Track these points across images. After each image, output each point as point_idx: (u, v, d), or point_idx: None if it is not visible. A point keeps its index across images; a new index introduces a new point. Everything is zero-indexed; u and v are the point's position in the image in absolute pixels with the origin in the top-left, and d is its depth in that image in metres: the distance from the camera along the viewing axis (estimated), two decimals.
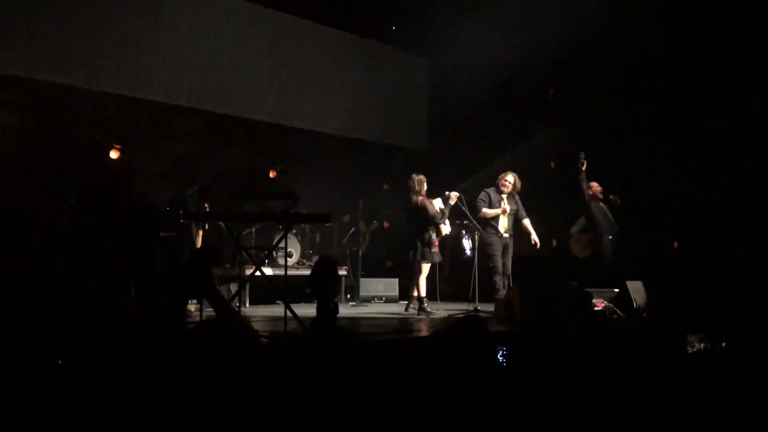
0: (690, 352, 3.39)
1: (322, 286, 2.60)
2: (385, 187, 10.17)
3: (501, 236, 7.47)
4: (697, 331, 3.64)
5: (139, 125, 8.58)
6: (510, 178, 7.60)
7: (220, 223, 6.31)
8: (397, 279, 8.82)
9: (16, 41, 7.24)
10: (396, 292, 8.80)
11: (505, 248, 7.51)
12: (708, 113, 8.12)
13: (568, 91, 9.35)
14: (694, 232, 8.25)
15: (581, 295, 6.73)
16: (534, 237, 7.67)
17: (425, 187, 7.35)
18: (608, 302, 6.69)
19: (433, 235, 7.29)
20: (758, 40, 7.69)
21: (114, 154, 8.27)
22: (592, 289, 6.78)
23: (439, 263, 7.58)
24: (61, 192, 6.91)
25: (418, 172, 7.53)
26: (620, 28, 8.39)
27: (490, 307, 7.08)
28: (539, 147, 9.44)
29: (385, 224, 9.74)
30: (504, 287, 7.34)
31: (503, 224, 7.52)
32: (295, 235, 8.53)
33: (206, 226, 6.53)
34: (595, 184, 7.99)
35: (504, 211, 7.53)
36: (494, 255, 7.46)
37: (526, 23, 9.16)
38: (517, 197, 7.72)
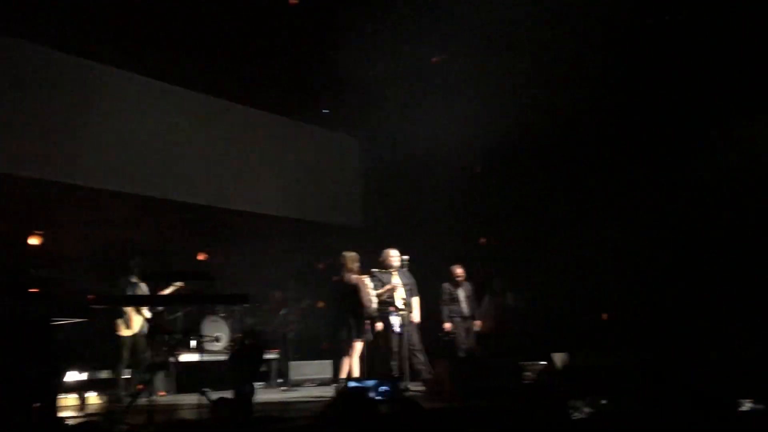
0: (576, 417, 3.40)
1: (239, 368, 2.50)
2: (321, 266, 10.10)
3: (399, 313, 7.34)
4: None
5: (65, 211, 8.42)
6: (393, 253, 7.56)
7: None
8: (331, 361, 8.63)
9: None
10: (329, 375, 8.57)
11: (408, 324, 7.38)
12: (634, 190, 8.47)
13: (495, 168, 9.64)
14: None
15: (513, 368, 6.76)
16: (414, 316, 7.49)
17: (358, 265, 7.32)
18: (536, 375, 6.68)
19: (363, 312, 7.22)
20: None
21: (35, 240, 8.07)
22: (523, 363, 6.84)
23: (371, 342, 7.47)
24: None
25: (350, 250, 7.51)
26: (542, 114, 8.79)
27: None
28: (471, 222, 9.65)
29: (321, 304, 9.61)
30: (422, 364, 7.29)
31: (399, 301, 7.41)
32: (224, 318, 8.33)
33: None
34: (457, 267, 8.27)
35: (394, 288, 7.39)
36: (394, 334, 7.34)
37: (454, 103, 9.52)
38: (409, 274, 7.63)
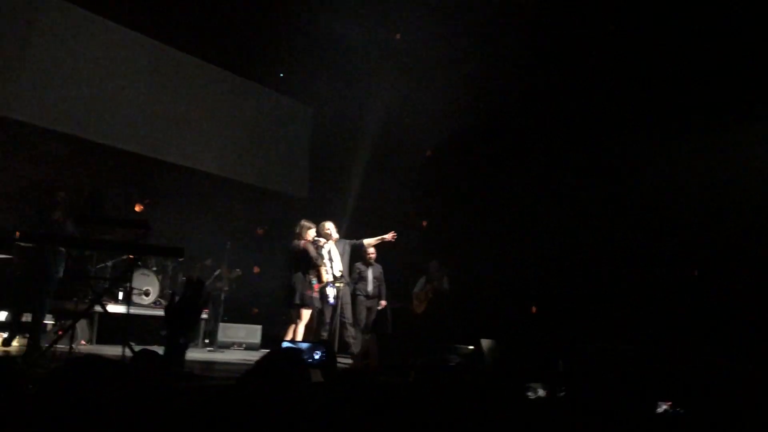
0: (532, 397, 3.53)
1: (174, 315, 2.37)
2: (259, 231, 9.97)
3: (336, 284, 7.42)
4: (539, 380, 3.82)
5: None
6: (329, 225, 7.63)
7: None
8: (261, 326, 8.56)
9: None
10: (258, 340, 8.51)
11: (342, 296, 7.48)
12: (579, 188, 8.66)
13: (444, 154, 9.69)
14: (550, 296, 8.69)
15: (442, 349, 6.89)
16: (385, 236, 7.88)
17: (310, 234, 7.33)
18: (462, 358, 6.81)
19: (314, 281, 7.22)
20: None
21: None
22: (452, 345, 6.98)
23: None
24: None
25: (291, 219, 7.53)
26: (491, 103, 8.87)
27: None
28: (414, 203, 9.70)
29: (256, 269, 9.50)
30: (352, 337, 7.37)
31: (337, 271, 7.49)
32: (156, 272, 8.12)
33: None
34: (371, 250, 8.46)
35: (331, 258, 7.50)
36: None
37: (414, 85, 9.52)
38: (344, 241, 7.83)
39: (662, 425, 4.07)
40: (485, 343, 7.06)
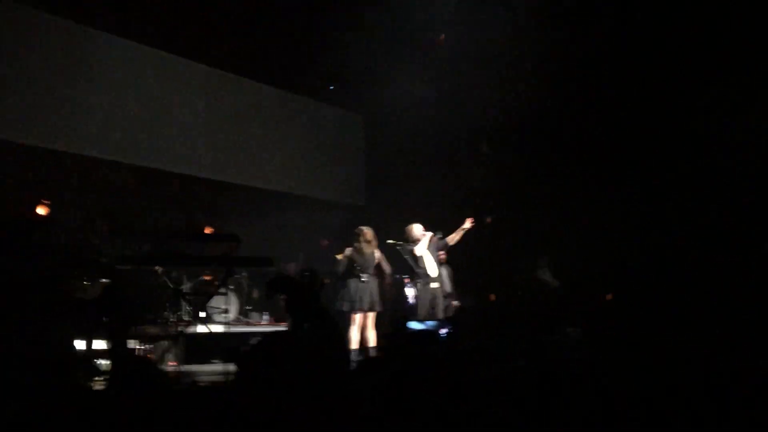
0: None
1: (295, 305, 2.32)
2: (324, 243, 10.03)
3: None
4: None
5: (66, 179, 8.25)
6: (417, 226, 7.61)
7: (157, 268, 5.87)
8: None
9: None
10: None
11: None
12: (645, 167, 8.49)
13: (500, 145, 9.63)
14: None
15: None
16: (465, 226, 7.73)
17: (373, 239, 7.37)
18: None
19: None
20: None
21: (42, 210, 7.87)
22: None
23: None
24: None
25: (354, 227, 7.56)
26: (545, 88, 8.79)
27: None
28: (475, 200, 9.63)
29: (325, 280, 9.52)
30: None
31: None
32: (233, 291, 8.20)
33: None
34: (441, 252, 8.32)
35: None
36: None
37: (456, 80, 9.53)
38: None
39: None
40: (571, 331, 6.99)
